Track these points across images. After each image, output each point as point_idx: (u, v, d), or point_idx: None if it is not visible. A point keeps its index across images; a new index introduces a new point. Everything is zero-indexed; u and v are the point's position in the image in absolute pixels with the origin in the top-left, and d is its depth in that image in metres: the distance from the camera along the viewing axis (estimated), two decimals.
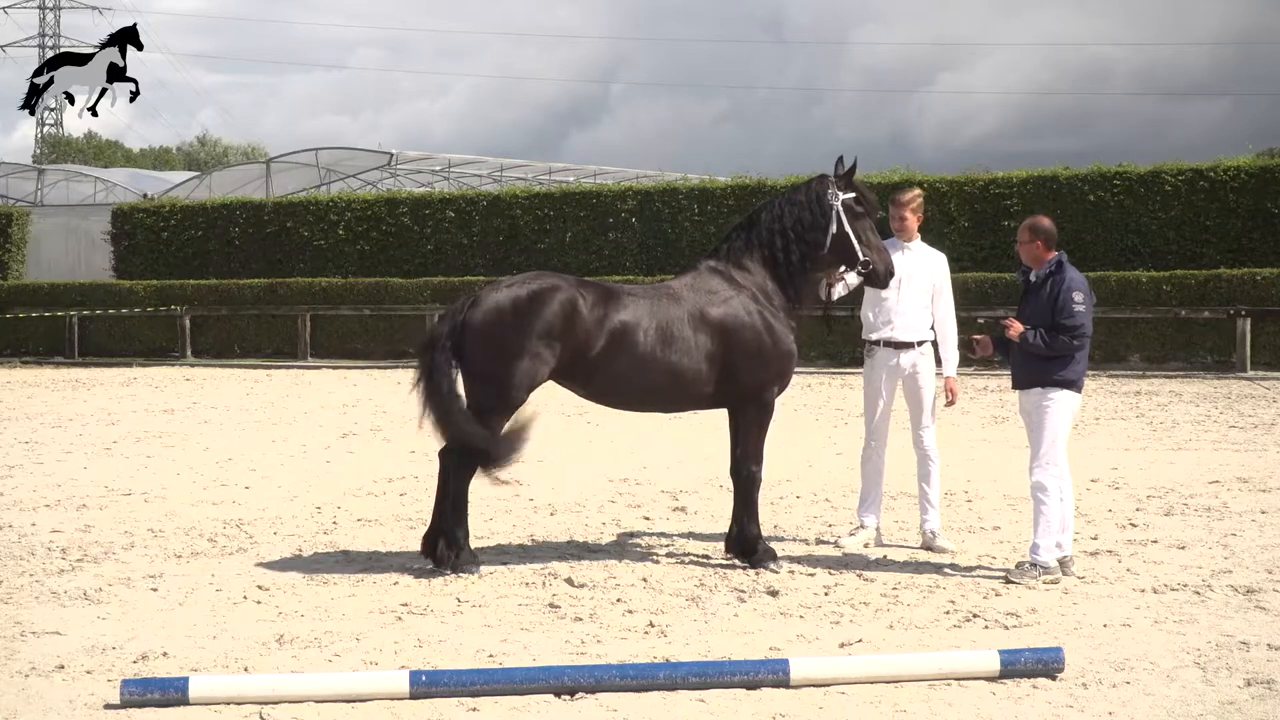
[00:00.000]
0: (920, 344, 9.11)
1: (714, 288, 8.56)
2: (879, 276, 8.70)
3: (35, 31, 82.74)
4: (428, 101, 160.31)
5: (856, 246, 8.59)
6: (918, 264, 9.14)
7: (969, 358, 8.83)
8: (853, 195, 8.66)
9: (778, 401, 8.76)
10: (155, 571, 8.43)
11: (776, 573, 8.24)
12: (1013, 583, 7.89)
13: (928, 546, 9.01)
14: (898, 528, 9.56)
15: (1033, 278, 8.27)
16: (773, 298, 8.59)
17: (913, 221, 9.21)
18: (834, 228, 8.60)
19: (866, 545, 9.06)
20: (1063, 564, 8.04)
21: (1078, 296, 8.01)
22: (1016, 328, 8.09)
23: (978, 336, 8.40)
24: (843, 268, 8.75)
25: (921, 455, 9.16)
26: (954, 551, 8.88)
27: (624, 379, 8.35)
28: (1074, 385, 8.09)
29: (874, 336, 9.12)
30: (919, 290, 9.09)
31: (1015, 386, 8.31)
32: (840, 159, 8.88)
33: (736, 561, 8.51)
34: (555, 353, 8.16)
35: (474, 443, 8.16)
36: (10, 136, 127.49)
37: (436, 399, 8.18)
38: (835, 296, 8.99)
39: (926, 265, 9.17)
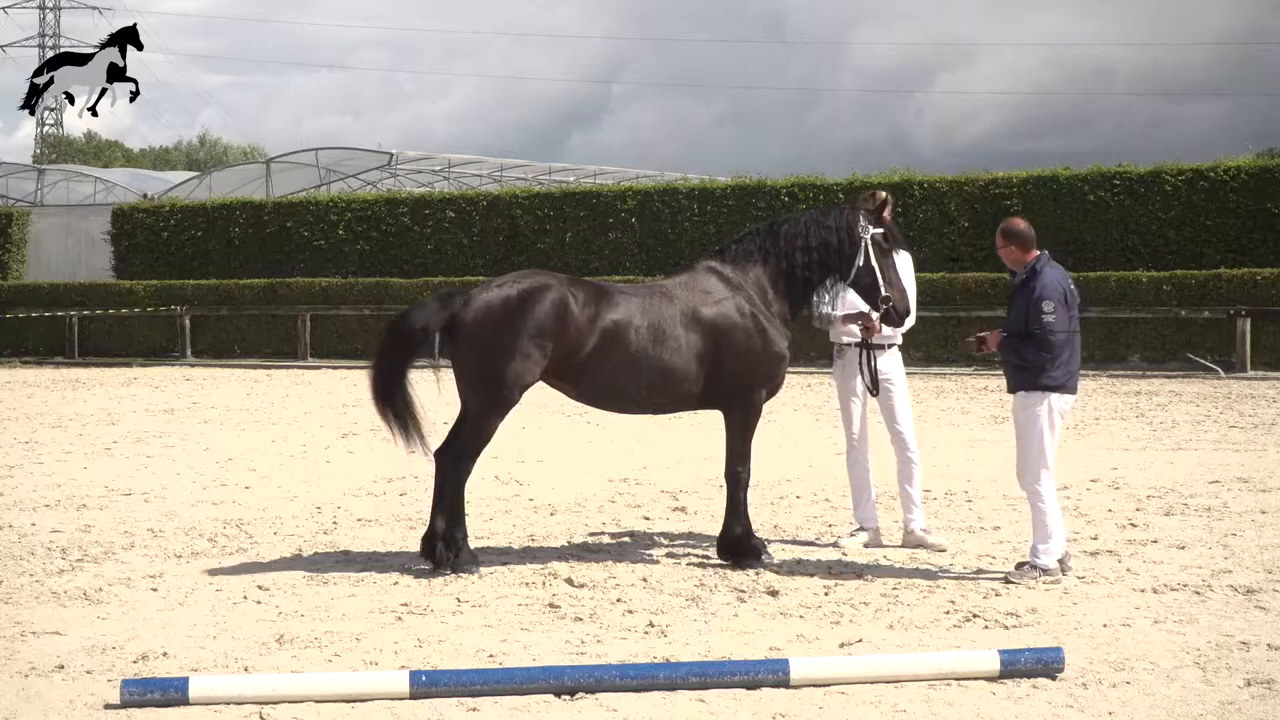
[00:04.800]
0: (890, 345, 9.11)
1: (709, 288, 8.55)
2: (895, 316, 8.66)
3: (35, 31, 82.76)
4: (429, 102, 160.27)
5: (881, 283, 8.57)
6: None
7: (973, 356, 8.79)
8: (881, 231, 8.63)
9: (778, 402, 8.76)
10: (155, 571, 8.43)
11: (761, 571, 8.25)
12: (1012, 583, 7.89)
13: (918, 545, 9.01)
14: (897, 528, 9.55)
15: (1016, 281, 8.25)
16: (771, 304, 8.58)
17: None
18: (861, 260, 8.57)
19: (866, 545, 9.07)
20: (1061, 562, 8.03)
21: (1047, 306, 7.89)
22: (993, 341, 8.12)
23: (983, 333, 8.35)
24: (868, 310, 8.73)
25: (902, 456, 9.15)
26: (947, 548, 8.90)
27: (615, 379, 8.35)
28: (1060, 388, 7.97)
29: (845, 339, 9.11)
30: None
31: (1008, 390, 8.30)
32: (873, 193, 8.91)
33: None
34: (546, 352, 8.15)
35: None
36: (10, 136, 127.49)
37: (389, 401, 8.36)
38: (870, 339, 8.96)
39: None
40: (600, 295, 8.36)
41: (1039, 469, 7.99)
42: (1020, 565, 8.08)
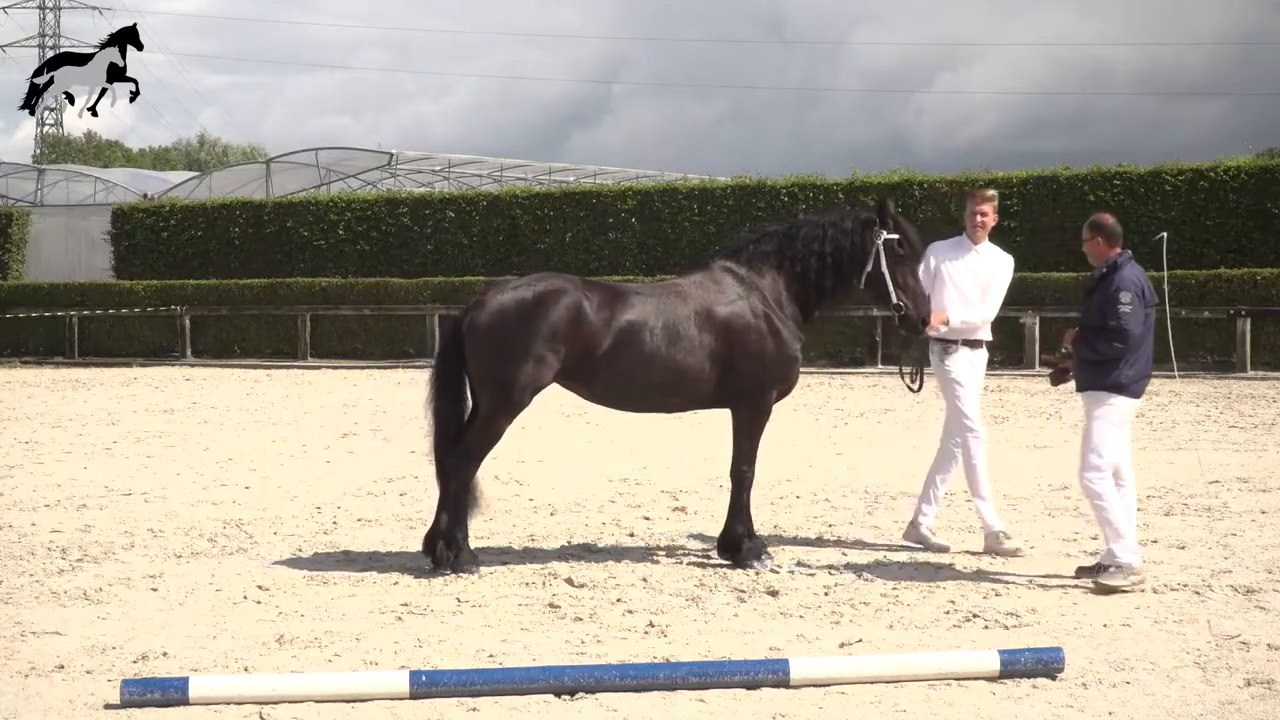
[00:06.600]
0: (986, 344, 9.20)
1: (723, 287, 8.52)
2: (911, 323, 8.63)
3: (35, 31, 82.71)
4: (429, 102, 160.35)
5: (891, 290, 8.52)
6: (988, 266, 9.14)
7: (1065, 381, 8.56)
8: (896, 236, 8.56)
9: (778, 401, 8.76)
10: (155, 571, 8.43)
11: (761, 571, 8.26)
12: (1103, 585, 7.65)
13: (919, 541, 9.00)
14: (897, 528, 9.56)
15: (1095, 276, 8.22)
16: (785, 306, 8.56)
17: (989, 222, 9.14)
18: (870, 266, 8.53)
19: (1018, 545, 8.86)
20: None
21: (1124, 297, 7.82)
22: (1069, 338, 8.12)
23: (1065, 348, 8.27)
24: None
25: (951, 451, 9.15)
26: (949, 550, 8.89)
27: (629, 379, 8.34)
28: (1125, 389, 7.89)
29: (956, 336, 9.06)
30: (991, 292, 9.13)
31: (1076, 390, 8.25)
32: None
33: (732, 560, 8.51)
34: (560, 355, 8.15)
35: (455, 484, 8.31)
36: (10, 136, 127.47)
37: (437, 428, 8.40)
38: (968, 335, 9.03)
39: (994, 266, 9.17)
40: (615, 298, 8.35)
41: (1091, 472, 7.88)
42: (1101, 568, 7.85)
